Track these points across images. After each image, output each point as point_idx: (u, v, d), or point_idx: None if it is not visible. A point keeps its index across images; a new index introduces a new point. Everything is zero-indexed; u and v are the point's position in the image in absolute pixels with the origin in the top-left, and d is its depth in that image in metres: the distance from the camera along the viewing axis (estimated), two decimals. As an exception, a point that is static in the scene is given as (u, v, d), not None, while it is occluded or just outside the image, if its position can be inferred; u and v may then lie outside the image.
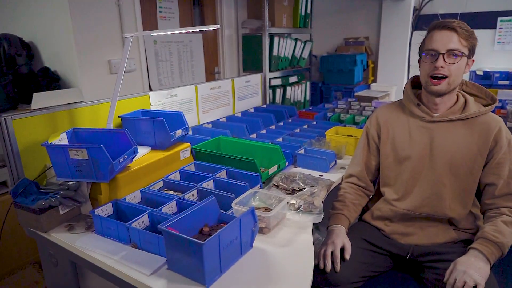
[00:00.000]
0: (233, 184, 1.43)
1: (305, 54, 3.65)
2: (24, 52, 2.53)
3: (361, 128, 2.18)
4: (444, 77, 1.25)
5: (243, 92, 2.75)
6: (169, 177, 1.51)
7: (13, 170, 1.42)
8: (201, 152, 1.72)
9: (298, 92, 3.55)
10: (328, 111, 2.64)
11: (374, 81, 4.33)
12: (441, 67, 1.24)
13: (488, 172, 1.29)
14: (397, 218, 1.39)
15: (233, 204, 1.27)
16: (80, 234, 1.26)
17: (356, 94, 3.74)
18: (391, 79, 4.16)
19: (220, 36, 3.59)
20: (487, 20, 3.66)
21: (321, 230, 1.61)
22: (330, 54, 4.18)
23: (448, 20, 1.26)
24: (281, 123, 2.40)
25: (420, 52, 1.34)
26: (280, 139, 2.02)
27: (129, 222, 1.15)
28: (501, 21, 3.62)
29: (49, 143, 1.30)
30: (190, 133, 2.01)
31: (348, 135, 1.99)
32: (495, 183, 1.27)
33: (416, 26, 3.99)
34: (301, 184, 1.53)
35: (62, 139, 1.39)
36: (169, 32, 1.67)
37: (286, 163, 1.74)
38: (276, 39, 3.15)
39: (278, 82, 3.27)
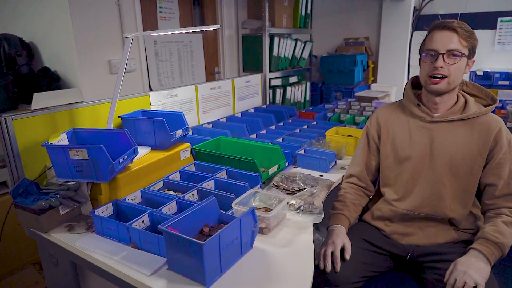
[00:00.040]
0: (233, 184, 1.43)
1: (305, 55, 3.65)
2: (24, 52, 2.53)
3: (361, 128, 2.18)
4: (443, 77, 1.25)
5: (243, 92, 2.74)
6: (169, 177, 1.51)
7: (13, 170, 1.42)
8: (201, 152, 1.72)
9: (298, 92, 3.55)
10: (328, 111, 2.64)
11: (374, 81, 4.33)
12: (441, 67, 1.24)
13: (488, 172, 1.29)
14: (397, 218, 1.39)
15: (233, 204, 1.27)
16: (81, 234, 1.26)
17: (356, 94, 3.73)
18: (391, 80, 4.16)
19: (220, 36, 3.59)
20: (487, 20, 3.66)
21: (321, 230, 1.61)
22: (330, 55, 4.17)
23: (449, 21, 1.26)
24: (281, 123, 2.40)
25: (420, 52, 1.34)
26: (280, 139, 2.02)
27: (129, 223, 1.15)
28: (501, 21, 3.62)
29: (49, 143, 1.30)
30: (190, 133, 2.01)
31: (348, 136, 1.99)
32: (495, 184, 1.27)
33: (416, 26, 3.99)
34: (301, 184, 1.53)
35: (62, 139, 1.39)
36: (169, 32, 1.67)
37: (286, 163, 1.74)
38: (276, 39, 3.15)
39: (278, 82, 3.26)
